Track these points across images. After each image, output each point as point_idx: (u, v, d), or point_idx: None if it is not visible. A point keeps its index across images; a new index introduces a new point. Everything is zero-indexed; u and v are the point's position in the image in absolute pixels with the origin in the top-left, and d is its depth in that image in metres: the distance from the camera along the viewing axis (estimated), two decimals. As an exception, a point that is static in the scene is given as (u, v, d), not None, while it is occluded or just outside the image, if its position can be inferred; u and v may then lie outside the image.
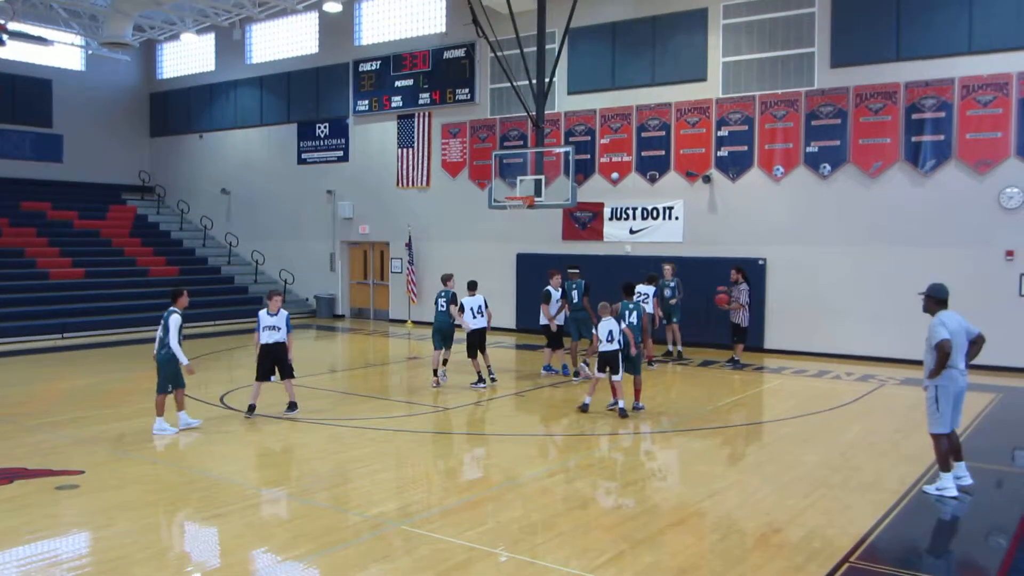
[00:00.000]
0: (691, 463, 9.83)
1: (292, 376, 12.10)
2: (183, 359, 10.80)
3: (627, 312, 12.31)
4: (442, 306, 14.54)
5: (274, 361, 11.90)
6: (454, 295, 14.54)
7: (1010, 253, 16.09)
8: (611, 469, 9.67)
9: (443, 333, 14.52)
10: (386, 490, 8.53)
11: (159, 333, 10.92)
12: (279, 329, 11.88)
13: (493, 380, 14.64)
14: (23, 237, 24.77)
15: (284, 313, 11.98)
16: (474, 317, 14.38)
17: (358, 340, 22.07)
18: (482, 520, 7.55)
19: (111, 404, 12.89)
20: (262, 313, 11.92)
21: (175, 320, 10.83)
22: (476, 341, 14.41)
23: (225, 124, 29.12)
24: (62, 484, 8.53)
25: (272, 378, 11.93)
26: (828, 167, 17.90)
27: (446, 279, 14.98)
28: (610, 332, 11.84)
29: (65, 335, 20.74)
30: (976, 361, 8.60)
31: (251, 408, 11.91)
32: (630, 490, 8.66)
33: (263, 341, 11.84)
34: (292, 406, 12.04)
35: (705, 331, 18.59)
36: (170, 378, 10.90)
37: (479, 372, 14.41)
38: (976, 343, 8.38)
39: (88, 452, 9.91)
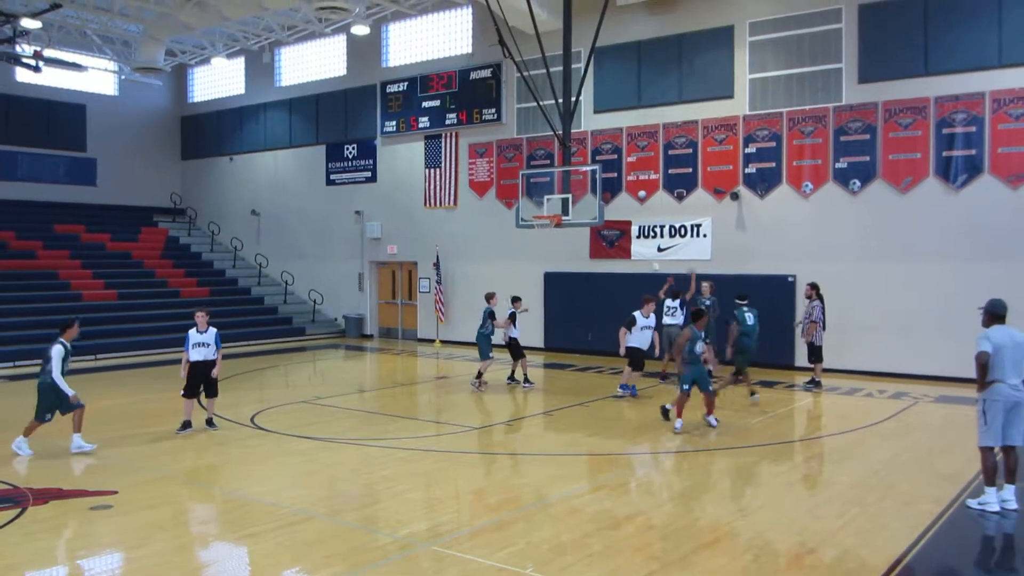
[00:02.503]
0: (723, 482, 9.75)
1: (216, 395, 12.42)
2: (67, 390, 10.73)
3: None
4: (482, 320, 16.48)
5: (203, 378, 12.16)
6: (492, 311, 16.50)
7: (1045, 268, 15.87)
8: (641, 488, 9.61)
9: (480, 344, 16.48)
10: (415, 510, 8.53)
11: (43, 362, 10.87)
12: (208, 346, 12.18)
13: (525, 384, 16.43)
14: (57, 260, 25.16)
15: (213, 330, 12.29)
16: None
17: (387, 360, 22.14)
18: (512, 540, 7.52)
19: (144, 425, 13.00)
20: (192, 331, 12.12)
21: (56, 351, 10.77)
22: (511, 347, 16.61)
23: (255, 146, 29.47)
24: (96, 504, 8.60)
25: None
26: (858, 183, 17.77)
27: (488, 297, 16.94)
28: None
29: (98, 356, 20.98)
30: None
31: (185, 424, 12.14)
32: (660, 510, 8.59)
33: (193, 359, 12.07)
34: (210, 422, 12.30)
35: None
36: (49, 406, 10.81)
37: (512, 371, 16.76)
38: None
39: (122, 472, 9.99)
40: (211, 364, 12.23)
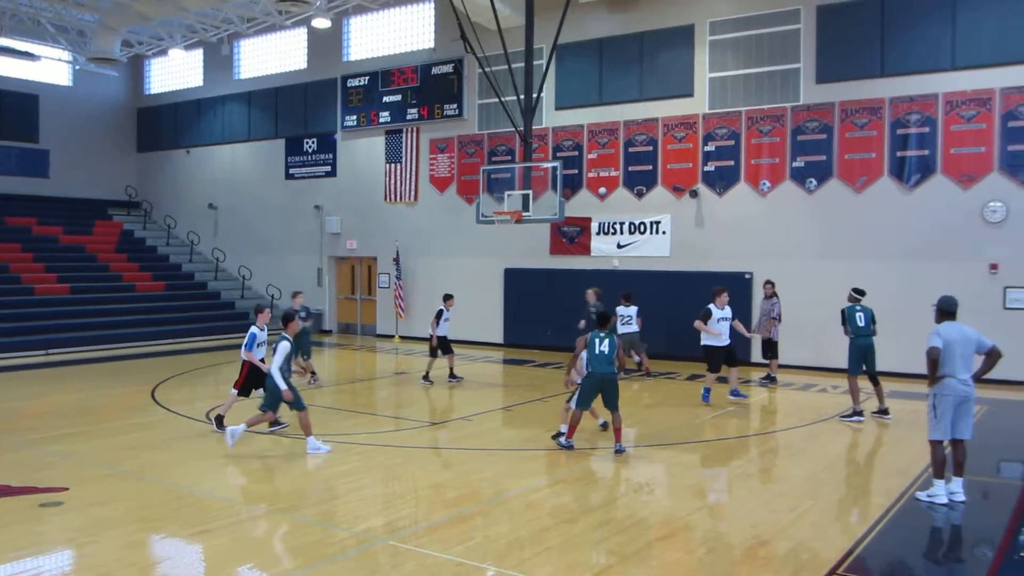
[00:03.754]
0: (678, 477, 9.83)
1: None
2: (282, 385, 10.49)
3: (597, 341, 10.67)
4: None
5: (260, 377, 11.76)
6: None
7: (994, 266, 16.23)
8: (599, 483, 9.65)
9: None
10: (373, 505, 8.49)
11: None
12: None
13: (451, 379, 16.52)
14: (8, 253, 24.59)
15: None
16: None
17: (345, 355, 22.01)
18: (470, 535, 7.52)
19: (96, 421, 12.80)
20: (254, 329, 11.88)
21: (283, 347, 10.55)
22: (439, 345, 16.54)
23: (213, 139, 29.10)
24: (46, 501, 8.44)
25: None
26: (814, 182, 18.02)
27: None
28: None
29: (50, 351, 20.60)
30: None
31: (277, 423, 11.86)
32: (618, 504, 8.64)
33: (263, 357, 11.83)
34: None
35: (690, 346, 18.61)
36: (274, 401, 10.67)
37: (451, 368, 16.75)
38: (990, 356, 8.45)
39: (73, 469, 9.83)
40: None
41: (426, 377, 16.37)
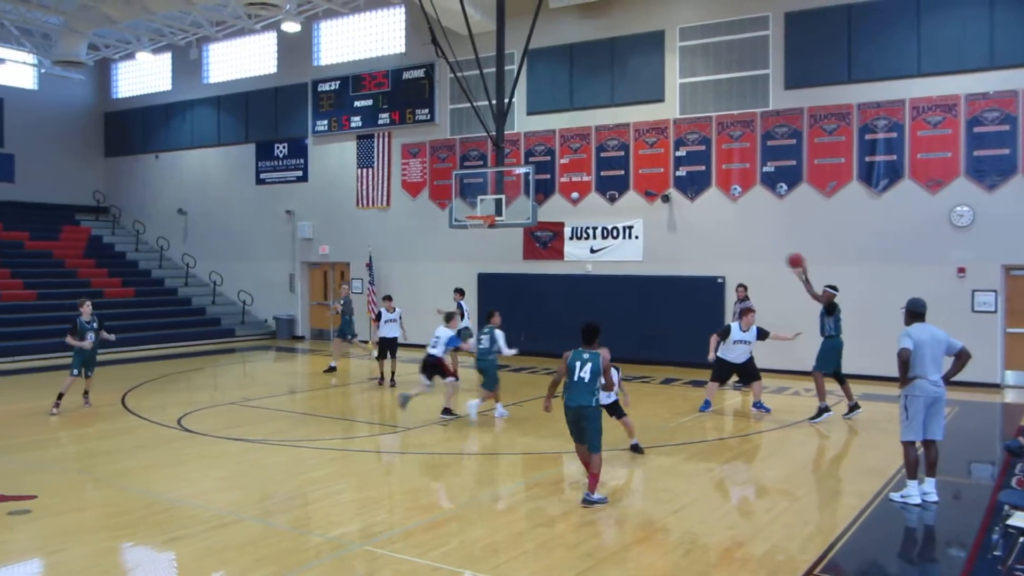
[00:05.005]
0: (654, 479, 9.84)
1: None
2: (511, 350, 13.33)
3: (577, 365, 8.62)
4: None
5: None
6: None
7: (961, 270, 16.44)
8: (575, 487, 9.64)
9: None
10: (348, 511, 8.43)
11: (484, 346, 13.25)
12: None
13: (392, 385, 16.75)
14: (-28, 259, 24.22)
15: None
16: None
17: (318, 361, 21.85)
18: (445, 540, 7.48)
19: (65, 427, 12.61)
20: (452, 332, 13.71)
21: (500, 334, 13.31)
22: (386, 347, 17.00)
23: (182, 144, 28.82)
24: (14, 509, 8.29)
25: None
26: (784, 186, 18.17)
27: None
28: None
29: (17, 358, 20.24)
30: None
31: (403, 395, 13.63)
32: (594, 507, 8.62)
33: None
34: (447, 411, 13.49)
35: (665, 349, 18.71)
36: (494, 377, 13.29)
37: (382, 373, 17.06)
38: (960, 357, 8.55)
39: (41, 477, 9.66)
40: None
41: (388, 381, 16.89)
